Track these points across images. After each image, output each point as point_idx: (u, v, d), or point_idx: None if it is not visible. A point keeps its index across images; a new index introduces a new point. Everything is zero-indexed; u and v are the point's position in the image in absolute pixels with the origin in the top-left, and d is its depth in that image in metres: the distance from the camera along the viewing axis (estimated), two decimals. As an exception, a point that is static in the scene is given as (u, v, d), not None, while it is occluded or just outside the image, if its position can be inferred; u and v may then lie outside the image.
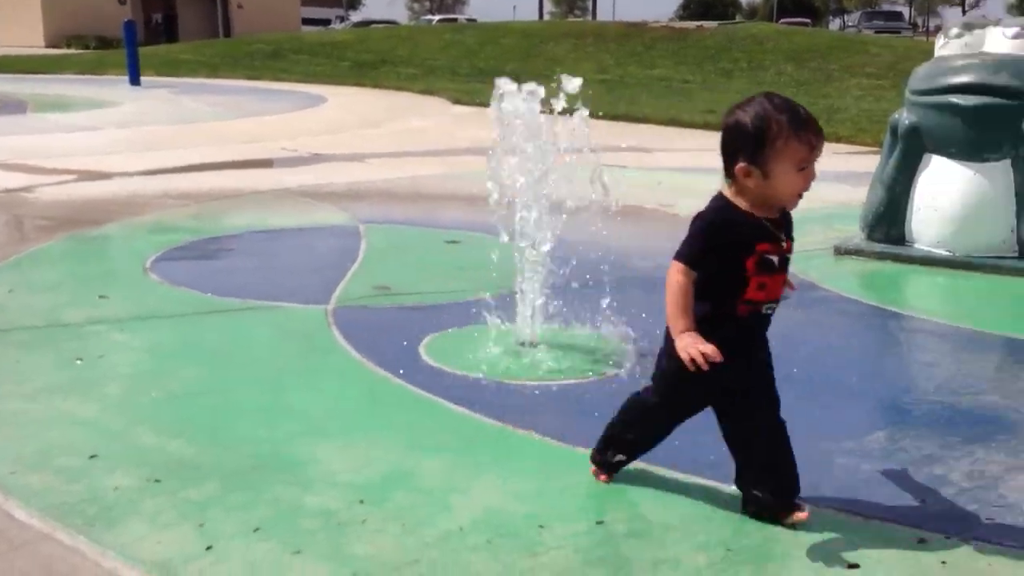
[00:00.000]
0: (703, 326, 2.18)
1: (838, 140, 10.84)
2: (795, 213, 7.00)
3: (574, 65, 19.90)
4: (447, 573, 2.11)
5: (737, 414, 2.34)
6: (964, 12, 73.29)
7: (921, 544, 2.22)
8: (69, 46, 37.68)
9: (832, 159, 9.44)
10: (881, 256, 5.14)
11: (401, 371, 3.34)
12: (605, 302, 3.80)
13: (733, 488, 2.43)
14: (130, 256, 5.10)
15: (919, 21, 69.87)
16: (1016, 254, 4.87)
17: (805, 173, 2.18)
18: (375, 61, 23.13)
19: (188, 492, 2.45)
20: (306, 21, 46.92)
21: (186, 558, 2.16)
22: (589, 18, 41.27)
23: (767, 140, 2.13)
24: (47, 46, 39.20)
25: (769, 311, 2.31)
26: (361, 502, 2.41)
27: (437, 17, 53.15)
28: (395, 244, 5.56)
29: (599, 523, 2.33)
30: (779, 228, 2.26)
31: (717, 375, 2.17)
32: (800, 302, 4.33)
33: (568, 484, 2.53)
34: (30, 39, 39.61)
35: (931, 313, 4.31)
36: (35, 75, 21.76)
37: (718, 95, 16.09)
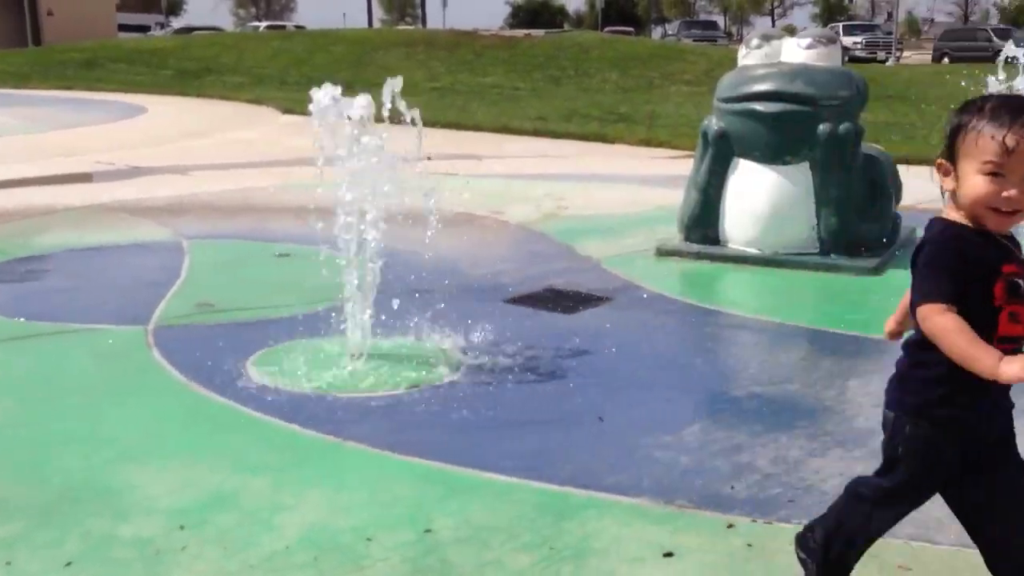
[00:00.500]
0: (954, 389, 1.82)
1: (659, 145, 11.30)
2: (620, 216, 7.22)
3: (406, 73, 19.75)
4: (272, 594, 2.09)
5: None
6: (773, 22, 77.73)
7: (730, 528, 2.36)
8: None
9: (654, 163, 9.85)
10: (698, 256, 5.40)
11: (226, 390, 3.27)
12: (435, 311, 3.84)
13: (556, 487, 2.52)
14: (-74, 282, 4.76)
15: (734, 30, 73.52)
16: (817, 250, 5.22)
17: (996, 180, 1.73)
18: (199, 69, 22.38)
19: (-8, 531, 2.32)
20: (123, 27, 44.78)
21: (-10, 601, 2.05)
22: (420, 26, 41.39)
23: (957, 132, 1.78)
24: None
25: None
26: (181, 528, 2.34)
27: (264, 24, 51.84)
28: (221, 259, 5.41)
29: (427, 532, 2.35)
30: (1017, 248, 1.82)
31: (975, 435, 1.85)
32: (622, 303, 4.51)
33: (397, 495, 2.55)
34: None
35: (743, 309, 4.56)
36: None
37: (547, 102, 16.45)
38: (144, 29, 52.05)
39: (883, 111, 14.05)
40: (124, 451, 2.81)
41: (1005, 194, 1.72)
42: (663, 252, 5.48)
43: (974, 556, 2.21)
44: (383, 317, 3.69)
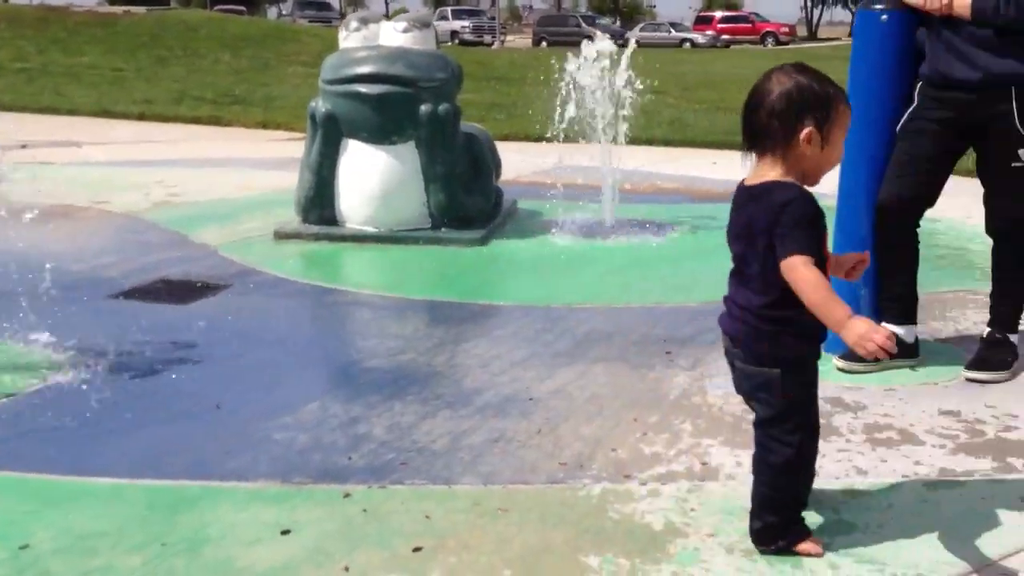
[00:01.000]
0: (814, 336, 2.10)
1: (277, 127, 11.15)
2: (236, 201, 7.05)
3: (-15, 52, 17.75)
4: None
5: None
6: (387, 4, 79.27)
7: (347, 498, 2.43)
8: None
9: (271, 146, 9.70)
10: (317, 237, 5.43)
11: None
12: (31, 312, 3.53)
13: (170, 483, 2.44)
14: None
15: (349, 11, 73.84)
16: (429, 225, 5.48)
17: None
18: None
19: None
20: None
21: None
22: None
23: (832, 104, 2.04)
24: None
25: None
26: None
27: None
28: None
29: (23, 548, 2.18)
30: None
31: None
32: (240, 289, 4.43)
33: (-14, 516, 2.33)
34: None
35: (361, 286, 4.66)
36: None
37: (154, 84, 15.54)
38: None
39: (489, 92, 14.94)
40: None
41: None
42: (281, 235, 5.45)
43: (563, 492, 2.49)
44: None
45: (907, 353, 3.40)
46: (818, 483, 2.52)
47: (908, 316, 3.44)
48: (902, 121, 3.34)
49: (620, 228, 5.70)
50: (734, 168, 7.40)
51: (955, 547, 2.22)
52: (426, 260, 5.09)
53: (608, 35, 5.94)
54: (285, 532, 2.26)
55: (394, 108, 5.30)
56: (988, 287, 3.48)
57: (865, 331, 1.91)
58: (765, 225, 2.06)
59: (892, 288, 3.43)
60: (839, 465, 2.64)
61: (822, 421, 2.83)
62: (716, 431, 2.87)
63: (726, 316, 2.23)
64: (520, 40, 50.67)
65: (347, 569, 2.12)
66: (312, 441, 2.77)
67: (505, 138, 9.50)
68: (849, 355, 3.37)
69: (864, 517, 2.36)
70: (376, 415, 2.96)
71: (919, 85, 3.33)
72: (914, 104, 3.32)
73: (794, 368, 2.14)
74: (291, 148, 8.85)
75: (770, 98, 2.07)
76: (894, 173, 3.31)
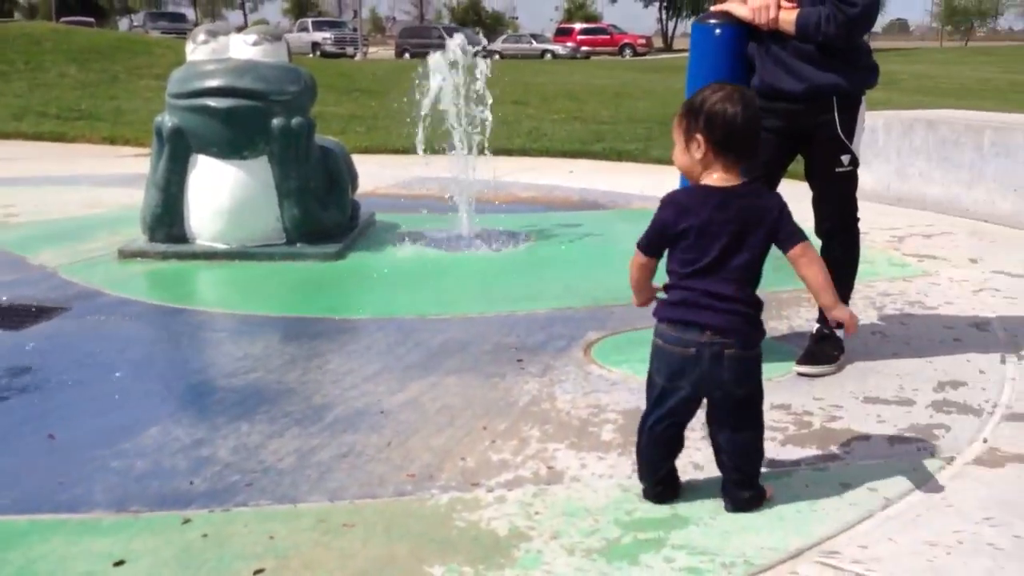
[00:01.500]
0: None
1: (126, 143, 10.77)
2: (80, 220, 6.80)
3: None
4: None
5: None
6: (245, 17, 77.53)
7: (186, 524, 2.37)
8: None
9: (119, 162, 9.36)
10: (165, 256, 5.27)
11: None
12: None
13: (16, 517, 2.33)
14: None
15: (204, 23, 71.97)
16: (284, 241, 5.39)
17: None
18: None
19: None
20: None
21: None
22: None
23: None
24: None
25: None
26: None
27: None
28: None
29: None
30: None
31: None
32: (81, 311, 4.26)
33: None
34: None
35: (213, 304, 4.56)
36: None
37: (-9, 99, 14.75)
38: None
39: (350, 104, 14.83)
40: None
41: None
42: (127, 254, 5.27)
43: (410, 504, 2.50)
44: None
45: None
46: (657, 481, 2.61)
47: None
48: None
49: (476, 238, 5.75)
50: (590, 176, 7.68)
51: (781, 533, 2.33)
52: (280, 276, 5.00)
53: (469, 43, 5.99)
54: (119, 563, 2.18)
55: (245, 122, 5.20)
56: (818, 286, 3.67)
57: (851, 311, 2.48)
58: (764, 220, 2.37)
59: None
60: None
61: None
62: (563, 436, 2.93)
63: (706, 311, 2.34)
64: (383, 51, 50.43)
65: (184, 596, 2.07)
66: (151, 467, 2.69)
67: (365, 151, 9.46)
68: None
69: (698, 510, 2.46)
70: (221, 436, 2.90)
71: None
72: None
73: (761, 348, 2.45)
74: (140, 164, 8.54)
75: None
76: None
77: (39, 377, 3.41)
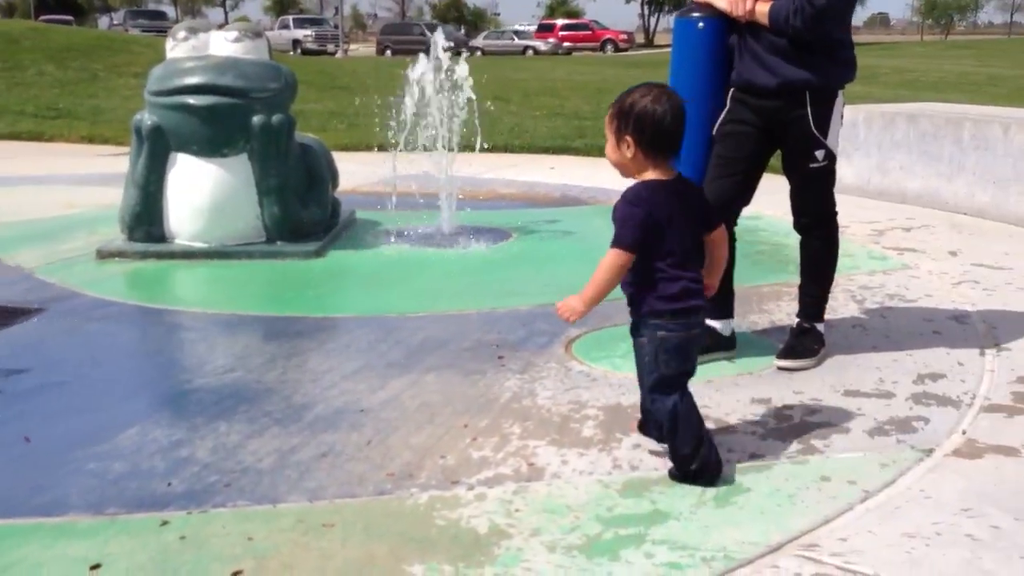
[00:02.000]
0: None
1: (105, 142, 10.69)
2: (56, 220, 6.71)
3: None
4: None
5: None
6: (226, 14, 77.11)
7: (164, 526, 2.35)
8: None
9: (98, 161, 9.28)
10: (144, 255, 5.23)
11: None
12: None
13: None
14: None
15: (184, 21, 71.70)
16: (264, 239, 5.36)
17: None
18: None
19: None
20: None
21: None
22: None
23: None
24: None
25: None
26: None
27: None
28: None
29: None
30: None
31: None
32: (57, 312, 4.22)
33: None
34: None
35: (192, 304, 4.52)
36: None
37: (-31, 98, 14.59)
38: None
39: (330, 101, 14.76)
40: None
41: None
42: (105, 254, 5.22)
43: (389, 503, 2.49)
44: None
45: (724, 346, 3.56)
46: (636, 475, 2.62)
47: (725, 311, 3.60)
48: (716, 125, 3.49)
49: (458, 235, 5.74)
50: (571, 173, 7.66)
51: (761, 527, 2.34)
52: (260, 275, 4.97)
53: (452, 42, 5.97)
54: (95, 567, 2.16)
55: (225, 120, 5.17)
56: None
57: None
58: (699, 206, 2.60)
59: None
60: (658, 458, 2.73)
61: (641, 417, 2.94)
62: (544, 432, 2.92)
63: (697, 296, 2.54)
64: (364, 49, 50.29)
65: (161, 599, 2.05)
66: (129, 469, 2.66)
67: (345, 148, 9.43)
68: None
69: (679, 505, 2.46)
70: (200, 437, 2.88)
71: (731, 90, 3.49)
72: (726, 108, 3.48)
73: None
74: (118, 163, 8.45)
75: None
76: (711, 176, 3.46)
77: (14, 379, 3.38)
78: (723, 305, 3.57)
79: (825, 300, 3.63)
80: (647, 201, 2.48)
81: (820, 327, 3.59)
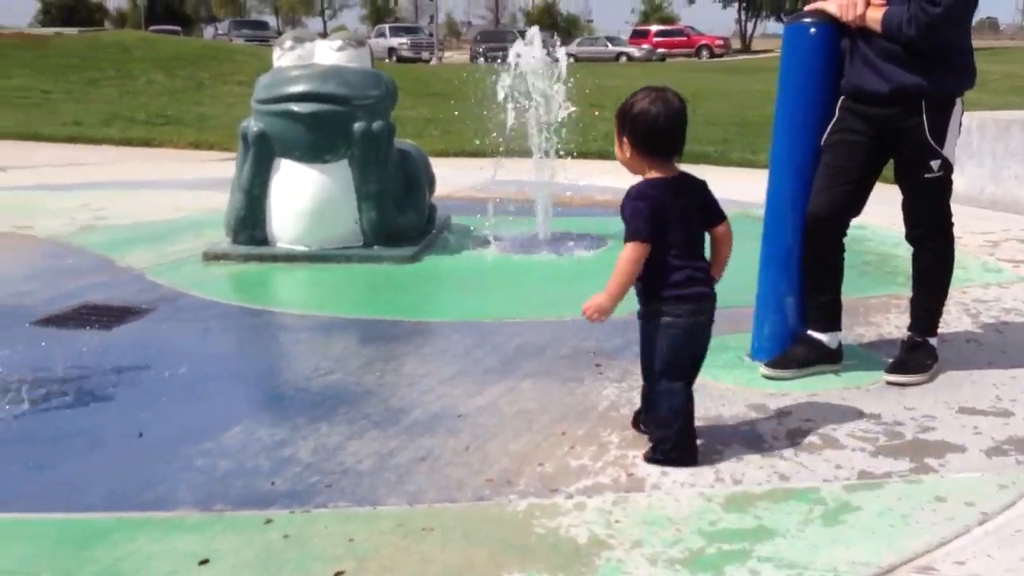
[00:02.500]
0: None
1: (210, 148, 11.02)
2: (165, 223, 6.90)
3: (-93, 75, 17.28)
4: None
5: None
6: (324, 23, 78.91)
7: (268, 524, 2.39)
8: None
9: (204, 166, 9.58)
10: (247, 258, 5.36)
11: None
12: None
13: (82, 515, 2.37)
14: None
15: (285, 30, 73.54)
16: (361, 243, 5.44)
17: None
18: None
19: None
20: None
21: None
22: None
23: None
24: None
25: None
26: None
27: None
28: None
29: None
30: None
31: None
32: (167, 312, 4.35)
33: None
34: None
35: (292, 306, 4.62)
36: None
37: (84, 106, 15.27)
38: None
39: (425, 108, 14.94)
40: None
41: None
42: (211, 256, 5.37)
43: (488, 509, 2.48)
44: None
45: (831, 358, 3.46)
46: (741, 489, 2.55)
47: (833, 323, 3.50)
48: (826, 133, 3.39)
49: (554, 242, 5.72)
50: (664, 180, 7.27)
51: (872, 547, 2.25)
52: (357, 278, 5.04)
53: (545, 49, 5.96)
54: (203, 562, 2.21)
55: (327, 126, 5.26)
56: (910, 292, 3.55)
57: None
58: (700, 199, 2.72)
59: (818, 296, 3.48)
60: (762, 472, 2.66)
61: (747, 428, 2.88)
62: (643, 442, 2.87)
63: (702, 283, 2.68)
64: (458, 56, 50.77)
65: (266, 596, 2.08)
66: (234, 466, 2.72)
67: (441, 154, 9.52)
68: (775, 362, 3.41)
69: (785, 522, 2.38)
70: (302, 437, 2.92)
71: (841, 98, 3.39)
72: (835, 116, 3.38)
73: None
74: (224, 168, 8.73)
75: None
76: (820, 185, 3.36)
77: (127, 377, 3.49)
78: (830, 316, 3.47)
79: (939, 314, 3.49)
80: (649, 196, 2.63)
81: (933, 341, 3.45)
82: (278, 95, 5.35)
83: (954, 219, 3.49)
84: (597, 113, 9.22)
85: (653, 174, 2.67)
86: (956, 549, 2.25)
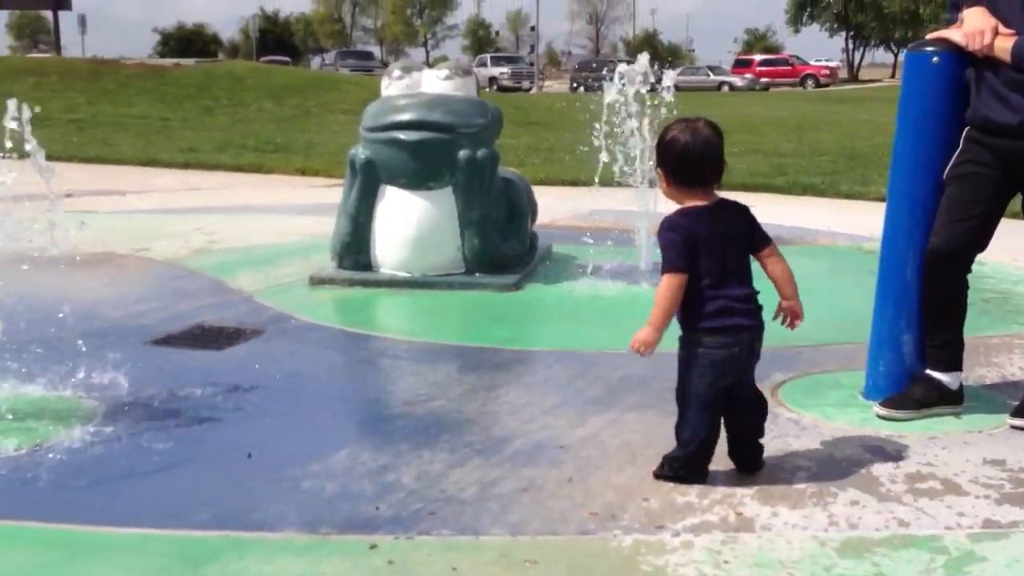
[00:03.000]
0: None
1: (316, 174, 11.30)
2: (274, 247, 7.05)
3: (39, 105, 18.25)
4: None
5: None
6: (427, 53, 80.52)
7: (373, 549, 2.40)
8: None
9: (311, 192, 9.82)
10: (351, 282, 5.45)
11: None
12: (68, 359, 3.56)
13: (196, 533, 2.42)
14: None
15: (390, 60, 75.26)
16: (463, 270, 5.47)
17: None
18: None
19: None
20: None
21: None
22: (55, 54, 38.09)
23: None
24: None
25: None
26: None
27: None
28: None
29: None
30: None
31: None
32: (274, 334, 4.45)
33: (7, 568, 2.32)
34: None
35: (395, 331, 4.67)
36: None
37: (199, 133, 15.87)
38: None
39: (526, 136, 15.05)
40: None
41: None
42: (316, 281, 5.47)
43: (593, 543, 2.44)
44: (7, 369, 3.35)
45: (951, 400, 3.31)
46: (857, 535, 2.45)
47: (954, 363, 3.35)
48: (949, 166, 3.27)
49: (654, 272, 5.64)
50: (771, 210, 7.39)
51: (1002, 605, 2.13)
52: (459, 305, 5.08)
53: (642, 73, 5.93)
54: (305, 584, 2.23)
55: (432, 154, 5.33)
56: (1034, 332, 3.38)
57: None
58: (743, 225, 2.73)
59: (939, 335, 3.34)
60: (879, 517, 2.55)
61: (862, 470, 2.78)
62: (751, 480, 2.80)
63: (741, 314, 2.67)
64: (558, 85, 51.08)
65: (371, 623, 2.08)
66: (340, 490, 2.74)
67: (542, 182, 9.54)
68: (891, 402, 3.28)
69: (905, 570, 2.27)
70: (405, 463, 2.93)
71: (966, 129, 3.26)
72: (959, 148, 3.26)
73: None
74: (329, 194, 8.95)
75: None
76: (944, 219, 3.24)
77: (237, 397, 3.57)
78: (951, 356, 3.32)
79: (1068, 355, 3.31)
80: (682, 227, 2.65)
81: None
82: (385, 123, 5.45)
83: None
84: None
85: (691, 203, 2.70)
86: (1094, 608, 2.11)
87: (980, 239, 3.24)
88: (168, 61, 27.98)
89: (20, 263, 3.67)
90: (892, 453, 2.99)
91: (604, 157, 5.67)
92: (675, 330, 2.77)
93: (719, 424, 2.79)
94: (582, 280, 5.53)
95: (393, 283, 5.42)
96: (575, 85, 43.70)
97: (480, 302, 5.11)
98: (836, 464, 2.91)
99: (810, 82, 45.98)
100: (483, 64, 46.52)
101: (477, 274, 5.44)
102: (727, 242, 2.68)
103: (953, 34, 3.20)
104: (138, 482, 2.82)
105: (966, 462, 2.91)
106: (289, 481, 2.81)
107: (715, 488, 2.75)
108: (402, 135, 5.36)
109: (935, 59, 3.23)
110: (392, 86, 5.77)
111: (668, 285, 2.65)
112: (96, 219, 7.77)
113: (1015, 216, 3.38)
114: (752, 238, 2.74)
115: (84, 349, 3.74)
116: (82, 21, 52.13)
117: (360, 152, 5.50)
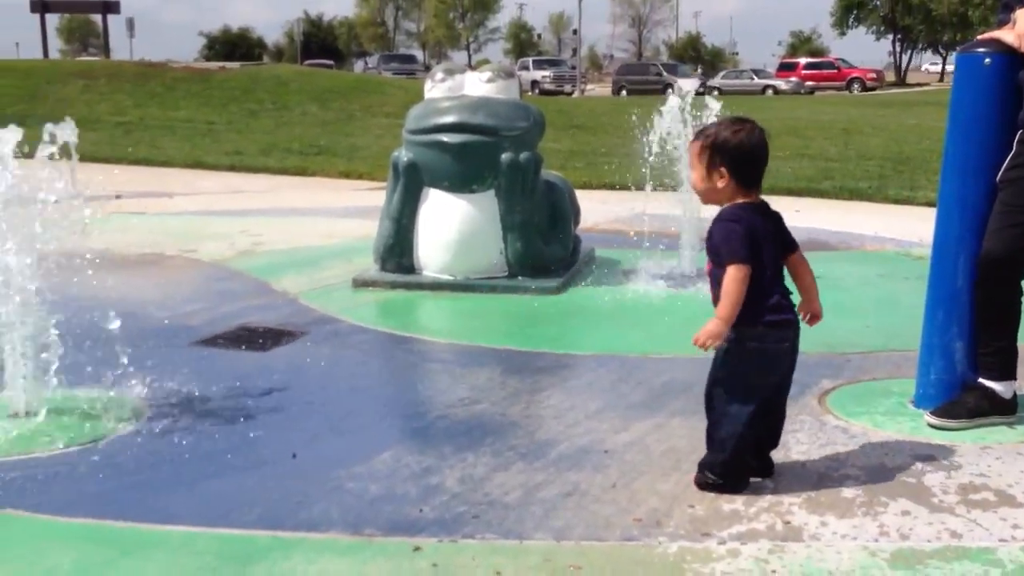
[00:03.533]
0: None
1: (359, 177, 11.37)
2: (317, 249, 7.12)
3: (87, 107, 18.61)
4: None
5: None
6: (469, 57, 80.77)
7: (417, 552, 2.40)
8: None
9: (354, 195, 9.89)
10: (394, 285, 5.47)
11: None
12: (117, 358, 3.60)
13: (242, 532, 2.43)
14: None
15: (432, 63, 75.62)
16: (506, 274, 5.47)
17: None
18: None
19: None
20: None
21: None
22: (104, 57, 38.73)
23: None
24: None
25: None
26: None
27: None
28: None
29: (98, 596, 2.20)
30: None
31: None
32: (318, 336, 4.48)
33: (59, 563, 2.35)
34: None
35: (437, 334, 4.68)
36: None
37: (244, 136, 16.05)
38: None
39: (568, 140, 15.02)
40: None
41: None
42: (360, 283, 5.50)
43: (637, 550, 2.42)
44: (57, 368, 3.40)
45: (1004, 409, 3.24)
46: (908, 545, 2.41)
47: (1008, 371, 3.27)
48: (1002, 169, 3.20)
49: (699, 277, 5.60)
50: (818, 215, 7.29)
51: (1060, 620, 2.07)
52: (502, 308, 5.07)
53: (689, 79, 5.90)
54: (349, 587, 2.23)
55: (475, 157, 5.34)
56: (1091, 340, 3.30)
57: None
58: (779, 228, 2.78)
59: (992, 343, 3.27)
60: (931, 528, 2.50)
61: (912, 480, 2.72)
62: (799, 489, 2.76)
63: (789, 309, 2.71)
64: (600, 89, 50.96)
65: (415, 625, 2.08)
66: (384, 491, 2.75)
67: (584, 186, 9.51)
68: (942, 411, 3.22)
69: (959, 584, 2.23)
70: (448, 466, 2.93)
71: (1019, 132, 3.20)
72: (1012, 151, 3.19)
73: None
74: (373, 197, 9.00)
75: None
76: (996, 224, 3.17)
77: (282, 398, 3.60)
78: (1005, 364, 3.25)
79: None
80: (744, 219, 2.66)
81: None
82: (428, 126, 5.47)
83: None
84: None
85: (742, 200, 2.72)
86: None
87: None
88: (214, 64, 28.37)
89: (71, 263, 3.72)
90: (944, 463, 2.93)
91: (648, 161, 5.64)
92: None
93: (758, 424, 2.74)
94: (625, 284, 5.50)
95: (436, 286, 5.43)
96: (618, 88, 43.59)
97: (523, 305, 5.11)
98: (886, 473, 2.86)
99: (856, 86, 45.40)
100: (525, 67, 46.54)
101: (520, 277, 5.43)
102: (773, 240, 2.72)
103: (1005, 35, 3.13)
104: (185, 481, 2.85)
105: (1020, 473, 2.84)
106: (333, 482, 2.82)
107: (762, 496, 2.71)
108: (445, 138, 5.38)
109: (987, 60, 3.16)
110: (435, 89, 5.78)
111: (735, 276, 2.62)
112: (144, 220, 7.90)
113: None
114: (785, 240, 2.79)
115: (132, 349, 3.78)
116: (130, 25, 52.95)
117: (403, 155, 5.52)
